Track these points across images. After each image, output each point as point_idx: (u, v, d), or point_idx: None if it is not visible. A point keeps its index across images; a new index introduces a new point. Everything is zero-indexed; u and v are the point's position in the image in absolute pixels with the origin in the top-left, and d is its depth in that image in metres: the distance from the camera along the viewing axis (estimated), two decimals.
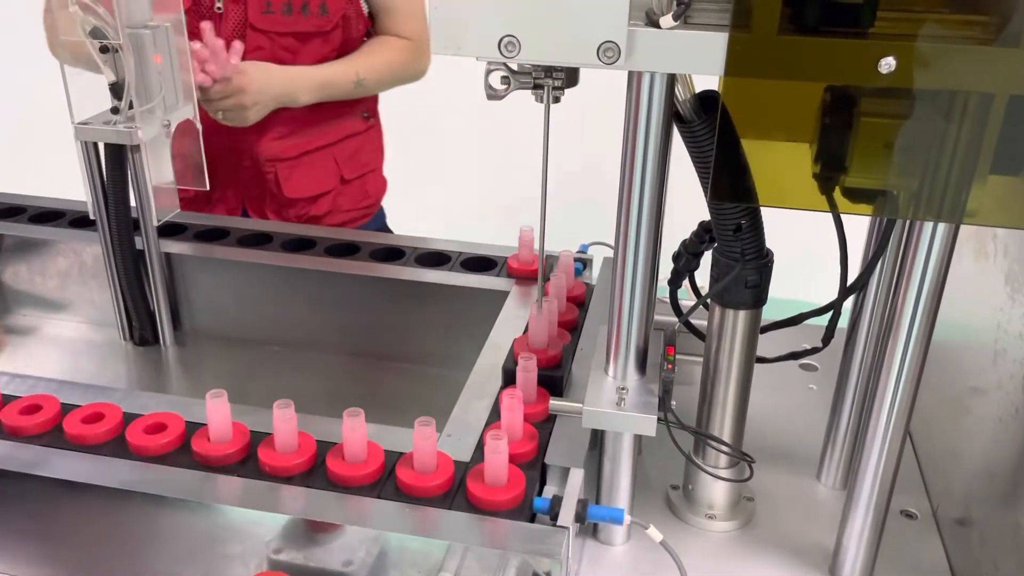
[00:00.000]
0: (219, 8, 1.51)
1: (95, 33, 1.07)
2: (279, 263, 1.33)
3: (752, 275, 0.84)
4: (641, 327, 0.85)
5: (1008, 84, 0.63)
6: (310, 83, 1.57)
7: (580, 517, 0.82)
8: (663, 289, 0.95)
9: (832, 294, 0.91)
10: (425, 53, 1.72)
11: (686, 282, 0.99)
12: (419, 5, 1.68)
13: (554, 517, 0.80)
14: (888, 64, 0.63)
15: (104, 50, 1.08)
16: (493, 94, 0.81)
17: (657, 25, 0.67)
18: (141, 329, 1.33)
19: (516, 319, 1.17)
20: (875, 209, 0.75)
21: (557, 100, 0.82)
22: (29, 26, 1.63)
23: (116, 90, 1.12)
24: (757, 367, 0.91)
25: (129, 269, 1.28)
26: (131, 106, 1.12)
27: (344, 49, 1.64)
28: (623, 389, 0.86)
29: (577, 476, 0.85)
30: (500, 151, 2.91)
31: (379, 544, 0.80)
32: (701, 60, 0.67)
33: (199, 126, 1.22)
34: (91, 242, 1.35)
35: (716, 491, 0.95)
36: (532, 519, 0.82)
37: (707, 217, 0.87)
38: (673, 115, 0.76)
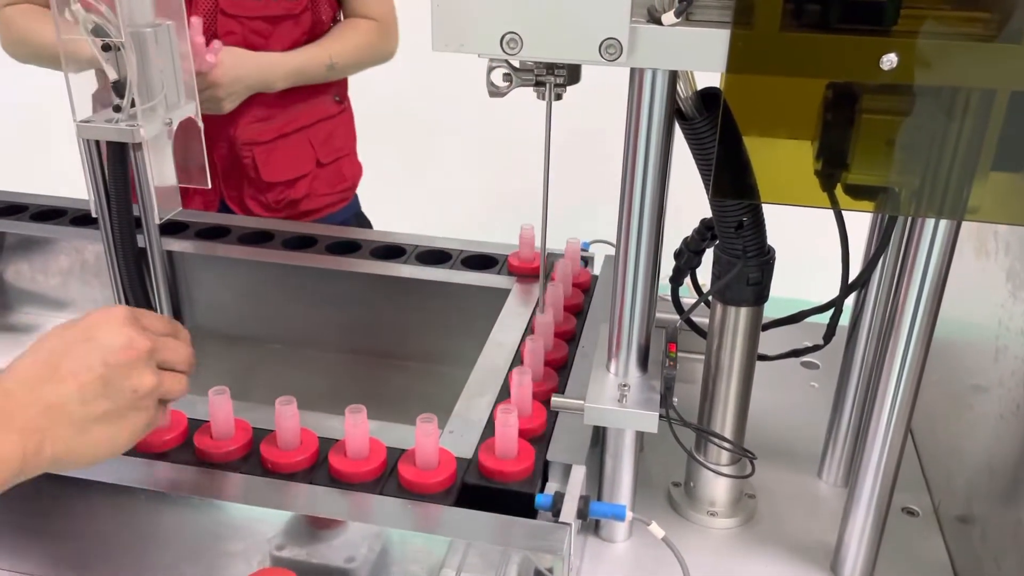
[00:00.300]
0: None
1: (97, 31, 1.07)
2: (280, 261, 1.33)
3: (754, 272, 0.85)
4: (643, 324, 0.85)
5: (1010, 80, 0.63)
6: (283, 69, 1.59)
7: (582, 514, 0.82)
8: (665, 287, 0.95)
9: (833, 292, 0.91)
10: (392, 34, 1.74)
11: (688, 279, 0.99)
12: None
13: (556, 513, 0.80)
14: (890, 61, 0.63)
15: (106, 48, 1.08)
16: (495, 91, 0.81)
17: (659, 22, 0.67)
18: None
19: (517, 317, 1.17)
20: (877, 206, 0.75)
21: (559, 97, 0.82)
22: None
23: (118, 88, 1.12)
24: (758, 364, 0.91)
25: (131, 267, 1.28)
26: (133, 104, 1.12)
27: (314, 32, 1.65)
28: (625, 386, 0.86)
29: (579, 473, 0.85)
30: (501, 149, 2.91)
31: (381, 541, 0.81)
32: (703, 57, 0.67)
33: (201, 124, 1.22)
34: (93, 240, 1.35)
35: (718, 488, 0.95)
36: (534, 516, 0.82)
37: (709, 214, 0.87)
38: (675, 112, 0.76)
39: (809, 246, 1.52)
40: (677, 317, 0.98)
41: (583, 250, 1.30)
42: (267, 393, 0.90)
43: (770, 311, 0.90)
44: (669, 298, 0.99)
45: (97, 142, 1.19)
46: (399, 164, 2.43)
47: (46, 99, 1.70)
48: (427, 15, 0.69)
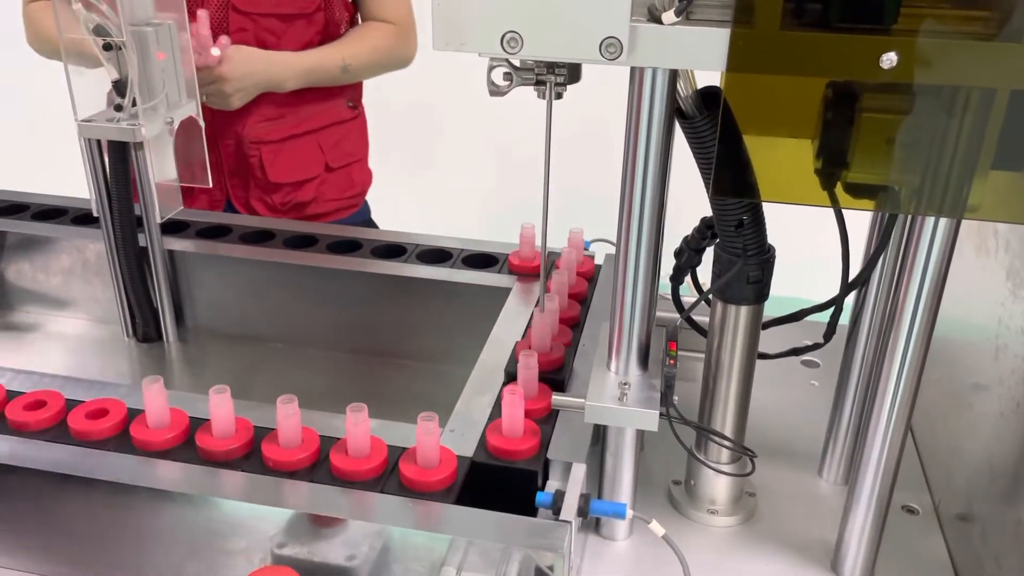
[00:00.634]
0: None
1: (98, 31, 1.07)
2: (282, 260, 1.33)
3: (754, 271, 0.85)
4: (643, 323, 0.85)
5: (1010, 79, 0.63)
6: (296, 69, 1.58)
7: (583, 512, 0.82)
8: (665, 285, 0.95)
9: (833, 290, 0.91)
10: (410, 38, 1.72)
11: (688, 278, 0.99)
12: None
13: (557, 512, 0.80)
14: (890, 60, 0.63)
15: (107, 47, 1.08)
16: (496, 90, 0.81)
17: (659, 21, 0.67)
18: (144, 326, 1.34)
19: (517, 316, 1.17)
20: (877, 205, 0.75)
21: (559, 96, 0.82)
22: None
23: (119, 87, 1.12)
24: (759, 363, 0.92)
25: (132, 266, 1.28)
26: (134, 103, 1.12)
27: (328, 33, 1.64)
28: (625, 384, 0.86)
29: (579, 471, 0.85)
30: (501, 148, 2.91)
31: (382, 539, 0.81)
32: (703, 56, 0.67)
33: (202, 123, 1.22)
34: (94, 239, 1.35)
35: (718, 486, 0.95)
36: (535, 514, 0.82)
37: (709, 213, 0.87)
38: (675, 111, 0.76)
39: (809, 245, 1.52)
40: (677, 316, 0.98)
41: (584, 249, 1.30)
42: (268, 392, 0.90)
43: (770, 309, 0.90)
44: (669, 297, 1.00)
45: (99, 141, 1.19)
46: (399, 164, 2.43)
47: (47, 98, 1.70)
48: (428, 15, 0.70)
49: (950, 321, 0.86)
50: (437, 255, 1.33)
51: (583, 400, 0.85)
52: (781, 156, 0.72)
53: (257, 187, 1.67)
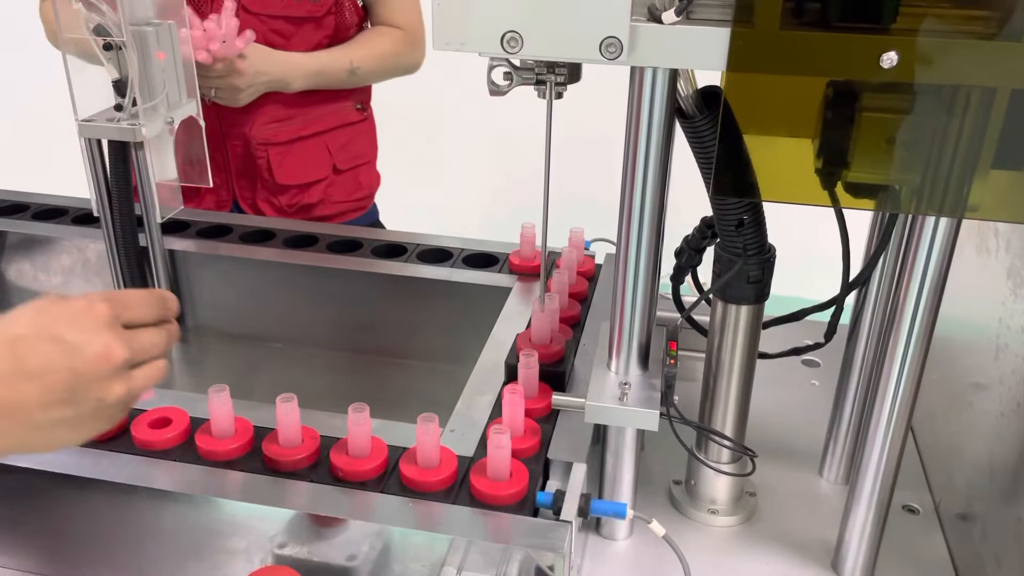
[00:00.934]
0: None
1: (98, 30, 1.07)
2: (282, 260, 1.33)
3: (754, 270, 0.85)
4: (643, 323, 0.85)
5: (1010, 79, 0.63)
6: (304, 69, 1.58)
7: (583, 512, 0.82)
8: (665, 285, 0.95)
9: (834, 290, 0.91)
10: (419, 45, 1.73)
11: (688, 278, 0.99)
12: None
13: (557, 512, 0.80)
14: (890, 59, 0.63)
15: (108, 47, 1.08)
16: (496, 90, 0.81)
17: (659, 20, 0.67)
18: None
19: (518, 315, 1.17)
20: (877, 204, 0.75)
21: (559, 96, 0.82)
22: (31, 22, 1.63)
23: (120, 87, 1.12)
24: (759, 362, 0.91)
25: (133, 266, 1.28)
26: (135, 103, 1.12)
27: (337, 37, 1.65)
28: (625, 384, 0.86)
29: (580, 471, 0.85)
30: (501, 147, 2.91)
31: (383, 538, 0.81)
32: (703, 55, 0.67)
33: (202, 123, 1.22)
34: (95, 239, 1.35)
35: (718, 486, 0.95)
36: (535, 514, 0.82)
37: (709, 213, 0.87)
38: (675, 110, 0.76)
39: (810, 244, 1.52)
40: (678, 315, 0.98)
41: (584, 248, 1.30)
42: (268, 392, 0.90)
43: (771, 309, 0.90)
44: (670, 296, 1.00)
45: (99, 141, 1.19)
46: (409, 167, 2.43)
47: (48, 98, 1.70)
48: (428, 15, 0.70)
49: (951, 321, 0.86)
50: (437, 255, 1.33)
51: (583, 400, 0.85)
52: (781, 156, 0.72)
53: (264, 188, 1.67)
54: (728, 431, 0.92)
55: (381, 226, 1.86)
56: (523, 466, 0.84)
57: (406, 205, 2.00)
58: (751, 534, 0.95)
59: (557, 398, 0.92)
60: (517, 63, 0.79)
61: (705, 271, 0.94)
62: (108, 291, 0.75)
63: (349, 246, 1.35)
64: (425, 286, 1.29)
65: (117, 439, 0.89)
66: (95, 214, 1.25)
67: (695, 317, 1.02)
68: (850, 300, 0.93)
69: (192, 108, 1.21)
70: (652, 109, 0.75)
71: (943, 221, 0.72)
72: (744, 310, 0.87)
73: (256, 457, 0.87)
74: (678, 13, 0.66)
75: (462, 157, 3.18)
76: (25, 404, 0.64)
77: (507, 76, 0.80)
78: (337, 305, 1.33)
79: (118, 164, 1.21)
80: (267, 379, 1.32)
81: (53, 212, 1.44)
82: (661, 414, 0.84)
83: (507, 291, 1.24)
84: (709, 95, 0.77)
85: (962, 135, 0.66)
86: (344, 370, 1.34)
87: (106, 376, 0.67)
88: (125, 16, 1.06)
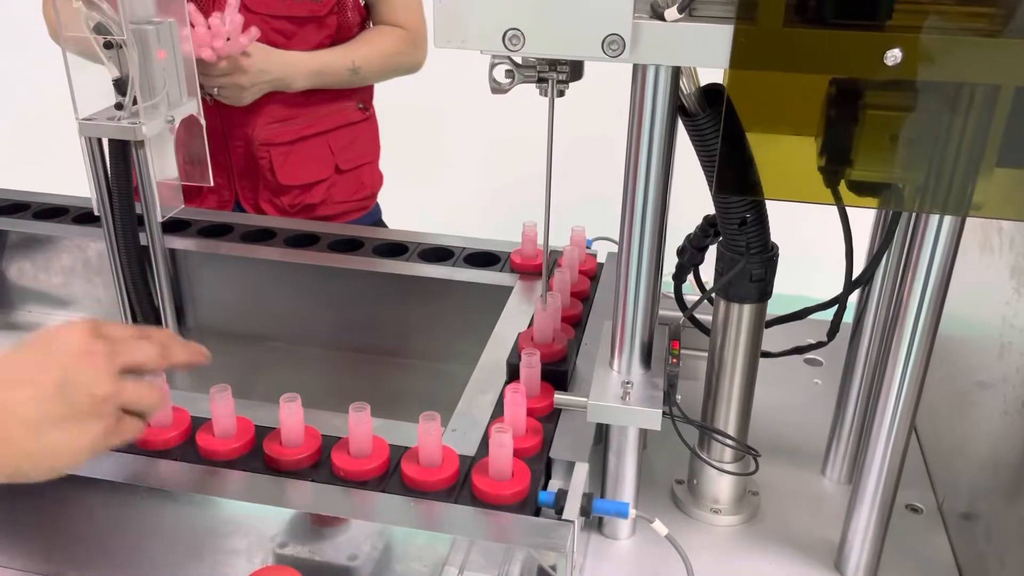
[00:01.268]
0: None
1: (99, 29, 1.07)
2: (283, 259, 1.33)
3: (757, 269, 0.84)
4: (646, 322, 0.85)
5: (1015, 76, 0.62)
6: (306, 69, 1.58)
7: (585, 511, 0.82)
8: (668, 284, 0.95)
9: (837, 288, 0.91)
10: (421, 44, 1.73)
11: (691, 276, 0.99)
12: None
13: (559, 511, 0.80)
14: (894, 56, 0.63)
15: (108, 46, 1.08)
16: (497, 88, 0.80)
17: (662, 18, 0.67)
18: (145, 324, 1.33)
19: (520, 314, 1.17)
20: (880, 202, 0.74)
21: (561, 94, 0.82)
22: (32, 21, 1.63)
23: (120, 86, 1.12)
24: (762, 361, 0.91)
25: (133, 265, 1.28)
26: (135, 102, 1.12)
27: (339, 36, 1.64)
28: (628, 383, 0.86)
29: (582, 470, 0.85)
30: (503, 146, 2.91)
31: (384, 538, 0.80)
32: (706, 53, 0.67)
33: (203, 122, 1.22)
34: (95, 238, 1.35)
35: (721, 485, 0.95)
36: (537, 513, 0.82)
37: (712, 211, 0.86)
38: (678, 108, 0.76)
39: (813, 243, 1.52)
40: (680, 314, 0.98)
41: (586, 248, 1.30)
42: (269, 391, 0.90)
43: (773, 308, 0.90)
44: (672, 295, 0.99)
45: (99, 140, 1.19)
46: (412, 166, 2.43)
47: (49, 97, 1.70)
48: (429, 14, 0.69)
49: (954, 319, 0.86)
50: (439, 253, 1.33)
51: (586, 399, 0.85)
52: (784, 153, 0.72)
53: (266, 189, 1.67)
54: (731, 430, 0.92)
55: (384, 226, 1.86)
56: (525, 465, 0.84)
57: (407, 204, 2.00)
58: (754, 533, 0.95)
59: (559, 397, 0.91)
60: (519, 61, 0.79)
61: (707, 270, 0.94)
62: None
63: (350, 245, 1.35)
64: (426, 285, 1.28)
65: None
66: (96, 213, 1.25)
67: (697, 316, 1.02)
68: (853, 299, 0.93)
69: (193, 107, 1.20)
70: (654, 107, 0.74)
71: (947, 219, 0.72)
72: (747, 309, 0.87)
73: (257, 457, 0.87)
74: (681, 10, 0.66)
75: (464, 156, 3.17)
76: (19, 404, 0.68)
77: (509, 74, 0.80)
78: (338, 304, 1.33)
79: (119, 163, 1.20)
80: (268, 378, 1.32)
81: (54, 211, 1.44)
82: (664, 413, 0.83)
83: (509, 290, 1.24)
84: (712, 93, 0.77)
85: (966, 133, 0.66)
86: (345, 369, 1.33)
87: (93, 369, 0.71)
88: (125, 14, 1.06)
